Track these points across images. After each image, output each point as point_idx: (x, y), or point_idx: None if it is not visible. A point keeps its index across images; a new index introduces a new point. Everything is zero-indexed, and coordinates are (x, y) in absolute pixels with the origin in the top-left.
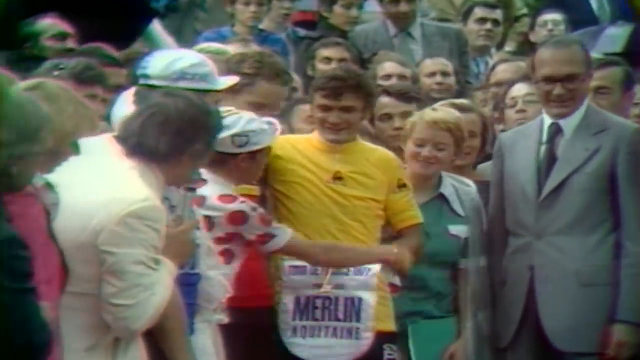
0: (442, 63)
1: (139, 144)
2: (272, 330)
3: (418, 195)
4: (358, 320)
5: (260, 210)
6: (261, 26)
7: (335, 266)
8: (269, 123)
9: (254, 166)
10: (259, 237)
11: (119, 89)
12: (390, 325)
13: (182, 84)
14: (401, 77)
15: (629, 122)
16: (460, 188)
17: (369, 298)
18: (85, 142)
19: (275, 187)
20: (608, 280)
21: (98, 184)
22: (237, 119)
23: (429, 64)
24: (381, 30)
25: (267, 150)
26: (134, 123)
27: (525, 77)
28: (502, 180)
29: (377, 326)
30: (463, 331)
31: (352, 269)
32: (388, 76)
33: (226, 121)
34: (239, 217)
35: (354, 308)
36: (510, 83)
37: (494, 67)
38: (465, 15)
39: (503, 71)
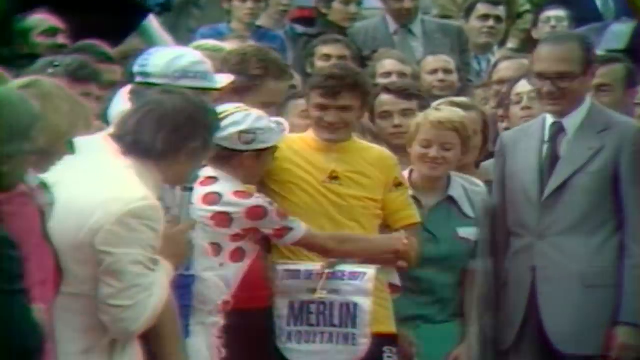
0: (444, 60)
1: (135, 141)
2: (271, 333)
3: (426, 198)
4: (354, 326)
5: (275, 204)
6: (258, 23)
7: (350, 257)
8: (278, 123)
9: (258, 165)
10: (277, 231)
11: (113, 86)
12: (391, 327)
13: (184, 82)
14: (401, 74)
15: (633, 120)
16: (470, 189)
17: (365, 304)
18: (81, 141)
19: (271, 187)
20: (611, 282)
21: (95, 183)
22: (246, 116)
23: (431, 61)
24: (381, 27)
25: (273, 150)
26: (130, 121)
27: (530, 74)
28: (504, 180)
29: (376, 328)
30: (467, 335)
31: (347, 273)
32: (388, 74)
33: (235, 117)
34: (258, 212)
35: (349, 314)
36: (515, 80)
37: (496, 64)
38: (468, 12)
39: (505, 69)
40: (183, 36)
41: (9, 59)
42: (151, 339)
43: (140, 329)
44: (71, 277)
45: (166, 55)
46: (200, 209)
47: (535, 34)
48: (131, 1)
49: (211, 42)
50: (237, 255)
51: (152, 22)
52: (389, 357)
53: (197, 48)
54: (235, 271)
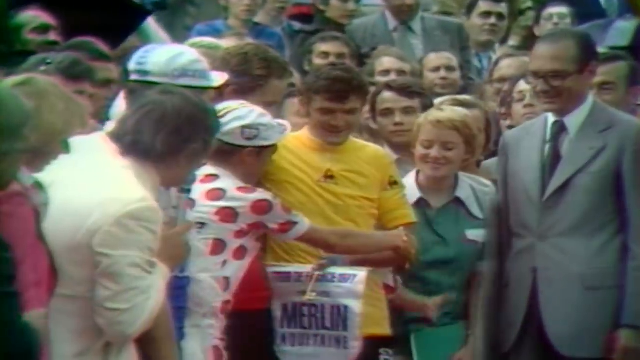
0: (446, 57)
1: (134, 142)
2: (269, 335)
3: (434, 200)
4: (345, 328)
5: (278, 198)
6: (256, 19)
7: (351, 253)
8: (279, 124)
9: (258, 163)
10: (282, 226)
11: (108, 84)
12: (386, 329)
13: (183, 80)
14: (400, 72)
15: (636, 119)
16: (478, 189)
17: (355, 306)
18: (78, 140)
19: (266, 187)
20: (613, 284)
21: (92, 183)
22: (249, 112)
23: (433, 59)
24: (380, 24)
25: (273, 150)
26: (130, 121)
27: (528, 73)
28: (506, 180)
29: (372, 330)
30: (470, 338)
31: (337, 275)
32: (386, 71)
33: (238, 112)
34: (263, 206)
35: (340, 316)
36: (517, 78)
37: (497, 62)
38: (469, 8)
39: (507, 66)
40: (179, 34)
41: (2, 57)
42: (145, 342)
43: (137, 333)
44: (66, 278)
45: (165, 53)
46: (204, 205)
47: (537, 31)
48: (130, 2)
49: (207, 40)
50: (240, 252)
51: (148, 20)
52: (385, 359)
53: (193, 45)
54: (237, 269)
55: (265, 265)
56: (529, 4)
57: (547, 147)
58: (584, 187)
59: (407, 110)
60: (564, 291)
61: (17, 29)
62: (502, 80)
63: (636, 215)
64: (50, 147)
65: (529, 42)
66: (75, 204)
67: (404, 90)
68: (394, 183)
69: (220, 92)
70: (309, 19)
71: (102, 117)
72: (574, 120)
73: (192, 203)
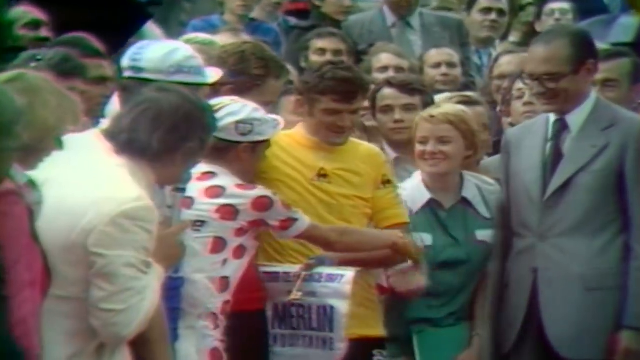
0: (447, 53)
1: (130, 140)
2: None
3: (441, 200)
4: (331, 330)
5: (278, 194)
6: (251, 15)
7: (350, 250)
8: (272, 119)
9: (253, 159)
10: (282, 223)
11: (103, 82)
12: (379, 331)
13: (178, 77)
14: (398, 69)
15: (639, 117)
16: (483, 187)
17: (341, 306)
18: (71, 138)
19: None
20: (615, 285)
21: (87, 181)
22: (242, 107)
23: (434, 54)
24: (378, 19)
25: (267, 145)
26: (125, 119)
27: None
28: (508, 179)
29: (365, 332)
30: (475, 339)
31: (324, 275)
32: (384, 68)
33: (231, 108)
34: (264, 203)
35: (326, 317)
36: (516, 75)
37: (497, 59)
38: (470, 4)
39: (507, 63)
40: (174, 30)
41: None
42: (139, 343)
43: (132, 334)
44: (60, 279)
45: (160, 50)
46: (203, 203)
47: (538, 27)
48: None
49: (202, 36)
50: (239, 251)
51: None
52: None
53: (188, 42)
54: (237, 268)
55: (256, 264)
56: None
57: (549, 145)
58: (586, 186)
59: (407, 108)
60: (564, 292)
61: (8, 25)
62: (502, 77)
63: (639, 215)
64: (43, 143)
65: (529, 38)
66: (69, 202)
67: (404, 87)
68: (387, 182)
69: (216, 91)
70: (304, 15)
71: (97, 115)
72: (576, 118)
73: (190, 201)
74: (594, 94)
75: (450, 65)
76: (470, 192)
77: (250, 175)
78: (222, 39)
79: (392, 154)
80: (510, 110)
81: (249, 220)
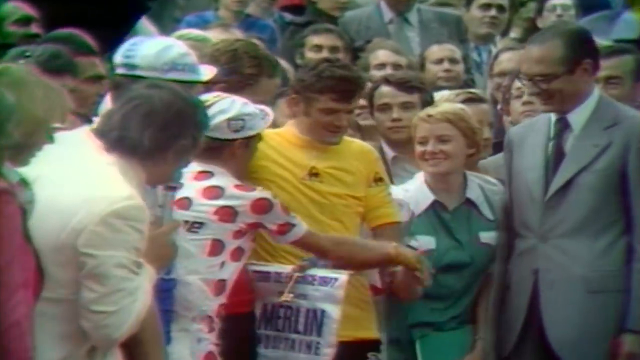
0: (449, 49)
1: (120, 138)
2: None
3: (445, 202)
4: (319, 334)
5: (278, 197)
6: (247, 11)
7: (344, 261)
8: (261, 110)
9: (247, 154)
10: (280, 227)
11: (98, 80)
12: (374, 333)
13: (172, 75)
14: (396, 66)
15: None
16: (486, 187)
17: (333, 311)
18: (61, 136)
19: None
20: (618, 287)
21: (77, 180)
22: (231, 103)
23: (436, 50)
24: (375, 15)
25: (258, 138)
26: (116, 116)
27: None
28: (511, 179)
29: (359, 334)
30: (478, 342)
31: (317, 278)
32: (382, 65)
33: (221, 105)
34: (264, 205)
35: (315, 321)
36: (515, 73)
37: (497, 55)
38: (469, 0)
39: (507, 60)
40: (168, 26)
41: None
42: (131, 345)
43: (123, 336)
44: (51, 280)
45: (154, 47)
46: (201, 204)
47: (540, 23)
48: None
49: (194, 32)
50: (237, 254)
51: None
52: None
53: (180, 38)
54: (234, 271)
55: (246, 263)
56: None
57: (551, 144)
58: (588, 186)
59: (405, 106)
60: (565, 294)
61: None
62: (502, 74)
63: None
64: (34, 138)
65: (530, 34)
66: (59, 201)
67: (402, 85)
68: (379, 179)
69: (209, 88)
70: (300, 11)
71: (92, 113)
72: (578, 117)
73: (188, 202)
74: (596, 92)
75: (453, 61)
76: (474, 192)
77: (245, 172)
78: (214, 35)
79: (390, 153)
80: (509, 109)
81: (248, 222)
